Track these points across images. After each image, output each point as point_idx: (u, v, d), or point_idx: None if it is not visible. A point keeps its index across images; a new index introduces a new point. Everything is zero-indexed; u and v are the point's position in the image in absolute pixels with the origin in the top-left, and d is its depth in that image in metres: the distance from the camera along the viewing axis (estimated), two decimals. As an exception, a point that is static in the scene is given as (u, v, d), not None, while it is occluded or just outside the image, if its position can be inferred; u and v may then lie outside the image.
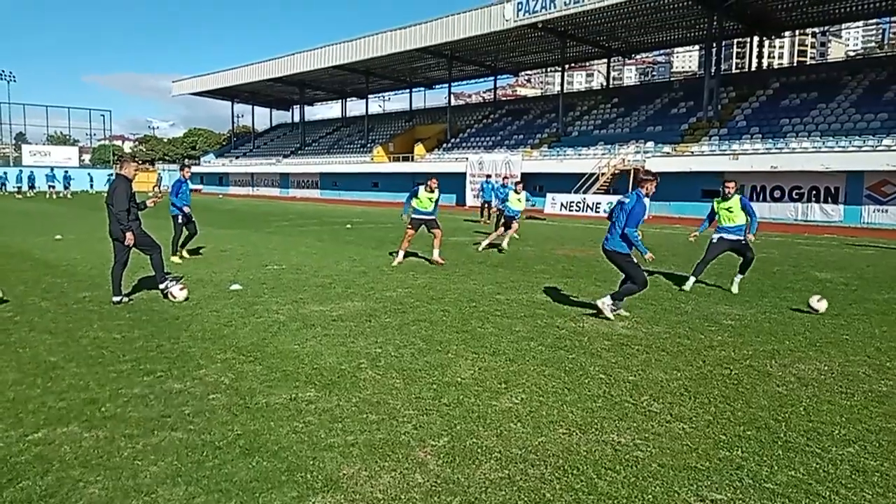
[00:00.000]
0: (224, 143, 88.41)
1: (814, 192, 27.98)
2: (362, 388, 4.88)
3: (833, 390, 5.00)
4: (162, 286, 8.30)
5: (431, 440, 3.95)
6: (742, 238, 9.47)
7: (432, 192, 12.63)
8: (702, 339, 6.59)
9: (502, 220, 15.77)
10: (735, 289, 9.45)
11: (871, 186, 26.46)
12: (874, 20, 43.45)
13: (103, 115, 73.65)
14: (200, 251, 13.54)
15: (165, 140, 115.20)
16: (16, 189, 49.07)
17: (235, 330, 6.67)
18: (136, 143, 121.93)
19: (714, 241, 9.66)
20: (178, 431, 4.02)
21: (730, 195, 9.60)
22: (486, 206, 25.34)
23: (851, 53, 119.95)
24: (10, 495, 3.22)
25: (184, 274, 10.25)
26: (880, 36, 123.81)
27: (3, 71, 68.32)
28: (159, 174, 66.54)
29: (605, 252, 7.60)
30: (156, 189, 58.75)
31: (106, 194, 8.24)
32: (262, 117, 76.17)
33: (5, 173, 52.73)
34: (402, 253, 12.41)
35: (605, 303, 7.35)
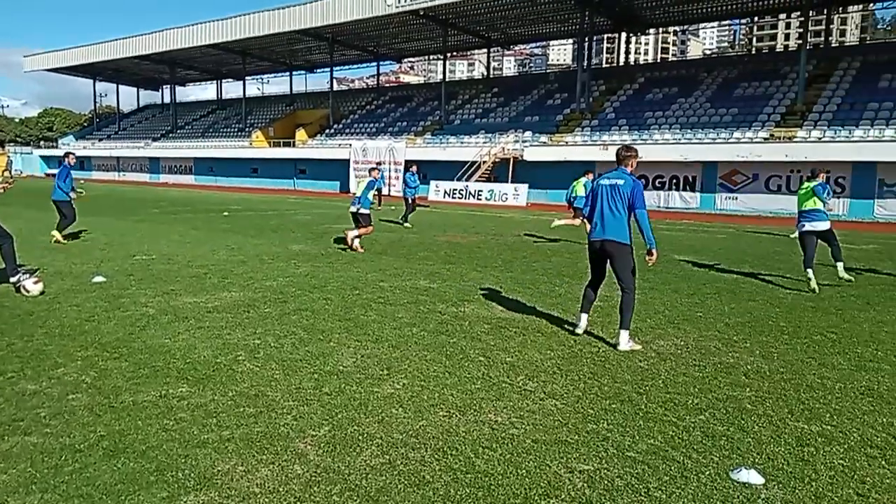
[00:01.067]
0: (85, 124, 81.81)
1: (674, 180, 30.16)
2: (239, 381, 4.73)
3: (688, 363, 5.45)
4: (13, 279, 7.60)
5: (312, 430, 3.90)
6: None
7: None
8: (574, 319, 6.93)
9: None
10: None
11: (724, 176, 28.91)
12: (727, 21, 47.24)
13: (-61, 91, 65.72)
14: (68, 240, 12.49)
15: (17, 120, 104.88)
16: None
17: (98, 325, 6.24)
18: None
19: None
20: (31, 436, 3.72)
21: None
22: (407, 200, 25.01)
23: (707, 52, 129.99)
24: None
25: (39, 266, 9.42)
26: (732, 36, 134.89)
27: None
28: (9, 158, 60.50)
29: (603, 244, 6.08)
30: (6, 174, 53.45)
31: None
32: (128, 97, 71.57)
33: None
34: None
35: (626, 342, 5.83)
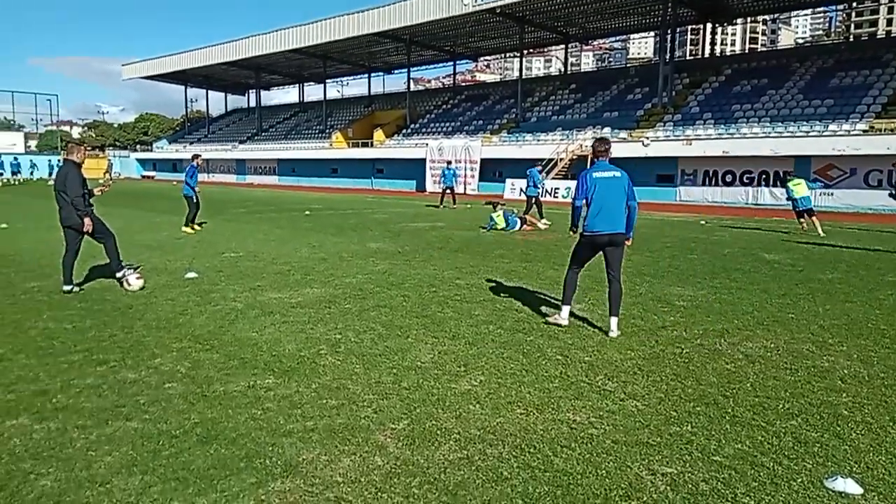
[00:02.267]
0: (177, 128, 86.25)
1: (763, 176, 28.78)
2: (322, 374, 4.88)
3: (778, 366, 5.20)
4: (119, 274, 8.10)
5: (391, 423, 3.98)
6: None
7: None
8: (655, 319, 6.76)
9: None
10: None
11: (818, 170, 27.34)
12: (821, 8, 44.65)
13: (50, 100, 70.82)
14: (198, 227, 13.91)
15: (116, 125, 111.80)
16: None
17: (191, 318, 6.58)
18: (85, 128, 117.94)
19: None
20: (132, 421, 3.96)
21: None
22: (446, 191, 25.26)
23: (800, 41, 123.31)
24: (-43, 490, 3.14)
25: (137, 262, 10.02)
26: (827, 24, 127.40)
27: (-59, 53, 65.09)
28: (109, 160, 64.58)
29: (612, 237, 6.14)
30: (106, 176, 57.07)
31: (55, 181, 8.00)
32: (216, 102, 74.49)
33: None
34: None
35: (615, 330, 6.12)
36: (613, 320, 6.15)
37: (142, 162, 71.28)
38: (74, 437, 3.73)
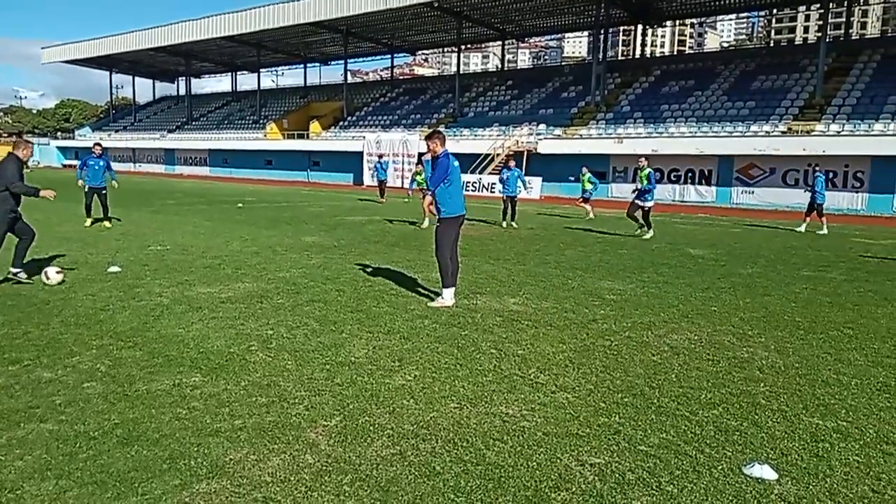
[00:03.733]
0: (102, 115, 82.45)
1: (690, 174, 29.91)
2: (252, 371, 4.76)
3: (701, 357, 5.41)
4: (14, 271, 7.63)
5: (323, 420, 3.92)
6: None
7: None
8: (586, 313, 6.91)
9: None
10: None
11: (740, 169, 28.62)
12: (745, 14, 46.66)
13: (-41, 82, 66.44)
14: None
15: (34, 111, 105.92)
16: None
17: (113, 314, 6.30)
18: (2, 113, 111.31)
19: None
20: (47, 423, 3.76)
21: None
22: (382, 184, 25.15)
23: (725, 44, 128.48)
24: None
25: (55, 255, 9.53)
26: (750, 29, 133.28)
27: None
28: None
29: (464, 218, 7.55)
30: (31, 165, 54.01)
31: None
32: (144, 89, 71.90)
33: None
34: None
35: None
36: (447, 290, 7.15)
37: (63, 150, 67.84)
38: (-18, 441, 3.51)
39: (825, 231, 17.11)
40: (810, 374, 5.04)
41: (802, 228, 17.52)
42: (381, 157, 27.18)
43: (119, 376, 4.57)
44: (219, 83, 73.20)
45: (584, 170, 20.09)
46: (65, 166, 63.21)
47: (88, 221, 13.67)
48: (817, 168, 19.44)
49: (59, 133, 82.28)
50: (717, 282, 9.04)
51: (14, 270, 7.64)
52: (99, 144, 14.69)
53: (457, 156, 26.72)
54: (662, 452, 3.60)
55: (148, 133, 61.05)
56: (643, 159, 15.07)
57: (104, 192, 13.94)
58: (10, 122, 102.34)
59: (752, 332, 6.27)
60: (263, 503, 2.98)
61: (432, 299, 7.23)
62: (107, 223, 13.67)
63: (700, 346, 5.75)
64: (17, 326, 5.76)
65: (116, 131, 65.87)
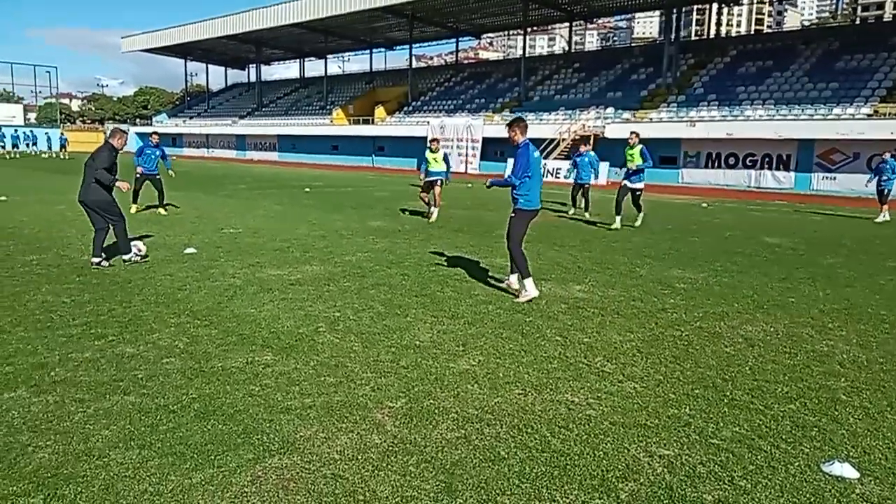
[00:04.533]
0: (177, 102, 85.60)
1: (766, 159, 28.64)
2: (320, 352, 4.87)
3: (778, 350, 5.20)
4: (126, 258, 8.04)
5: (389, 402, 3.97)
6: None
7: (434, 151, 13.70)
8: (655, 301, 6.75)
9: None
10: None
11: (821, 154, 27.22)
12: (829, -10, 44.09)
13: (49, 72, 70.17)
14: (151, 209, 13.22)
15: (115, 99, 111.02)
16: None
17: (190, 294, 6.56)
18: (85, 101, 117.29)
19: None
20: (130, 395, 3.96)
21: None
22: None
23: (806, 23, 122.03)
24: (-46, 462, 3.13)
25: (136, 236, 10.00)
26: (833, 6, 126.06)
27: (-63, 22, 64.37)
28: (106, 135, 64.17)
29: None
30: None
31: (89, 158, 7.94)
32: (216, 76, 74.00)
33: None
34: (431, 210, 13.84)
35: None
36: (514, 277, 7.00)
37: (141, 136, 70.79)
38: (72, 410, 3.73)
39: (884, 219, 16.03)
40: (895, 369, 4.78)
41: (881, 218, 16.32)
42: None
43: (196, 353, 4.76)
44: (287, 70, 74.69)
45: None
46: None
47: (134, 208, 13.47)
48: (889, 153, 17.64)
49: (137, 119, 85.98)
50: (795, 272, 8.66)
51: (125, 258, 8.04)
52: (156, 133, 14.72)
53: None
54: (735, 446, 3.49)
55: (220, 119, 63.00)
56: (633, 134, 13.11)
57: (158, 178, 13.92)
58: (94, 109, 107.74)
59: (833, 325, 5.99)
60: (332, 480, 3.06)
61: (516, 296, 6.71)
62: (162, 210, 13.66)
63: (776, 339, 5.52)
64: (102, 304, 6.08)
65: (191, 118, 68.27)
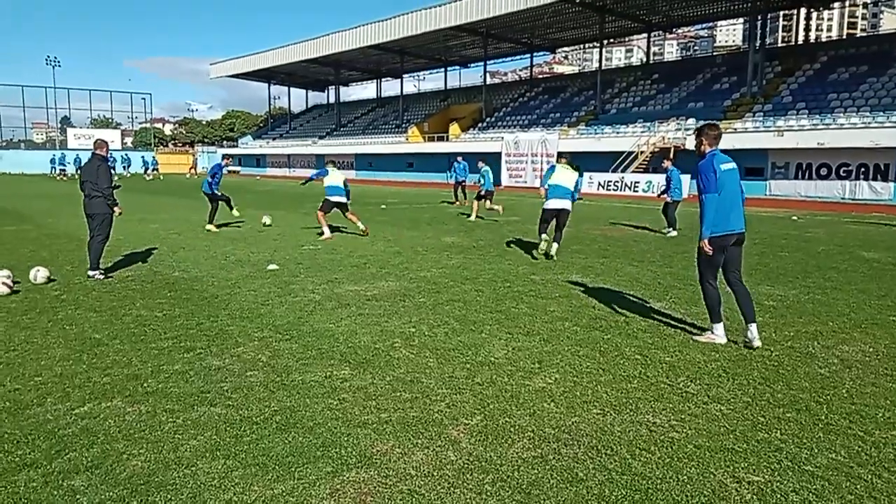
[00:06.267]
0: (261, 124, 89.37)
1: (862, 169, 27.00)
2: (396, 367, 4.92)
3: (878, 372, 4.86)
4: (91, 273, 8.40)
5: (464, 419, 3.96)
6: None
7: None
8: (742, 320, 6.44)
9: (481, 193, 18.21)
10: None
11: (923, 163, 25.41)
12: (930, -12, 41.36)
13: (144, 99, 75.02)
14: (230, 225, 13.78)
15: (204, 122, 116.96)
16: (59, 172, 50.05)
17: (272, 309, 6.78)
18: (176, 125, 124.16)
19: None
20: (217, 407, 4.12)
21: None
22: (459, 186, 24.54)
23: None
24: (57, 466, 3.34)
25: (223, 254, 10.46)
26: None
27: (49, 56, 70.12)
28: (195, 157, 67.74)
29: (739, 236, 5.68)
30: (192, 171, 59.80)
31: (81, 173, 8.75)
32: (298, 99, 76.73)
33: (56, 157, 53.44)
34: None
35: (758, 339, 5.50)
36: (753, 327, 5.44)
37: (228, 157, 74.28)
38: (163, 420, 3.91)
39: None
40: None
41: None
42: (458, 157, 25.71)
43: (277, 366, 4.91)
44: (364, 90, 76.59)
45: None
46: (230, 172, 69.16)
47: (213, 227, 14.04)
48: None
49: (224, 142, 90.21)
50: (897, 288, 8.09)
51: (90, 273, 8.42)
52: (229, 157, 15.69)
53: (596, 154, 25.92)
54: (832, 474, 3.28)
55: (301, 140, 65.25)
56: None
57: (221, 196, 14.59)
58: (185, 132, 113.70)
59: (942, 347, 5.54)
60: (409, 495, 3.07)
61: (700, 334, 5.90)
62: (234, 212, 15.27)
63: (876, 360, 5.17)
64: (192, 318, 6.38)
65: (273, 139, 71.03)
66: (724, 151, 5.83)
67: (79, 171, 9.35)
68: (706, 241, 5.56)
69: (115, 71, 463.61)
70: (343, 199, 13.48)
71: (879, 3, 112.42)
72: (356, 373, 4.78)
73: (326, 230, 13.10)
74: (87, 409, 4.07)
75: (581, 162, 35.73)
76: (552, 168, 11.11)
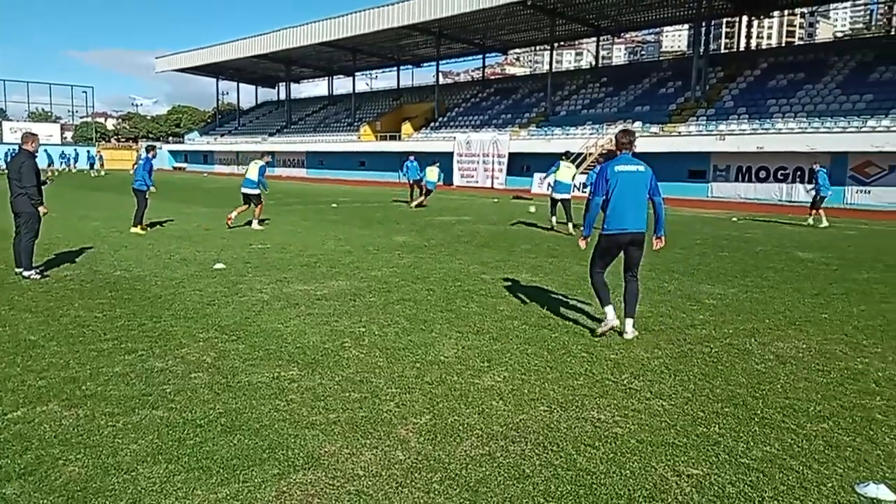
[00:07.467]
0: (209, 120, 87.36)
1: (798, 172, 28.13)
2: (345, 367, 4.89)
3: (810, 368, 5.08)
4: (19, 270, 8.09)
5: (413, 418, 3.97)
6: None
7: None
8: (683, 317, 6.65)
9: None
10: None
11: (855, 167, 26.66)
12: (862, 1, 43.37)
13: (85, 92, 72.24)
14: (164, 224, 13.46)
15: (149, 117, 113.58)
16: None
17: (218, 309, 6.65)
18: (119, 120, 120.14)
19: None
20: (159, 410, 4.01)
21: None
22: (414, 185, 24.21)
23: (839, 34, 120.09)
24: (-12, 473, 3.20)
25: (167, 253, 10.20)
26: (868, 17, 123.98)
27: (-19, 46, 66.73)
28: (139, 153, 65.78)
29: (633, 236, 5.78)
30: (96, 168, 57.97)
31: (6, 169, 8.32)
32: (247, 94, 75.49)
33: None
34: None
35: (632, 332, 5.83)
36: (629, 321, 5.83)
37: (174, 153, 72.36)
38: (102, 424, 3.79)
39: (810, 222, 17.55)
40: (936, 389, 4.63)
41: (817, 222, 17.42)
42: (410, 156, 25.38)
43: (223, 368, 4.82)
44: (316, 87, 75.64)
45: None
46: (175, 168, 67.41)
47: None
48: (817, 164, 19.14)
49: (170, 137, 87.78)
50: (829, 287, 8.47)
51: (18, 270, 8.10)
52: (153, 147, 14.80)
53: (547, 155, 26.85)
54: (766, 466, 3.41)
55: (251, 137, 64.04)
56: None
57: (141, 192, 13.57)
58: (128, 127, 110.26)
59: (868, 342, 5.83)
60: (356, 496, 3.05)
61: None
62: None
63: (809, 356, 5.40)
64: (133, 318, 6.20)
65: (222, 135, 69.51)
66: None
67: (6, 167, 8.72)
68: (585, 238, 6.14)
69: (53, 62, 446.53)
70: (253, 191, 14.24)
71: (816, 13, 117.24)
72: (304, 373, 4.73)
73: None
74: (20, 414, 3.91)
75: (531, 163, 36.28)
76: (556, 165, 14.26)
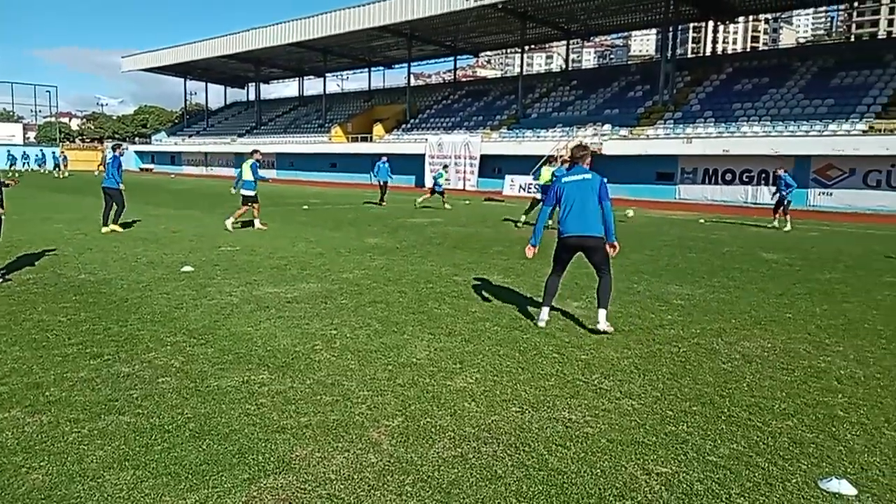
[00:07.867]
0: (176, 121, 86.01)
1: (763, 175, 28.75)
2: (316, 370, 4.86)
3: (775, 367, 5.19)
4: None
5: (385, 420, 3.96)
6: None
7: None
8: (652, 318, 6.75)
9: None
10: None
11: (818, 170, 27.34)
12: (823, 8, 44.54)
13: (49, 92, 70.58)
14: (134, 224, 13.23)
15: (114, 117, 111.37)
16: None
17: (186, 312, 6.55)
18: (84, 120, 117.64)
19: None
20: (125, 415, 3.94)
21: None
22: (384, 186, 24.51)
23: (802, 40, 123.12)
24: (-54, 483, 3.11)
25: (133, 255, 10.02)
26: (829, 24, 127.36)
27: (-61, 42, 64.88)
28: (104, 153, 64.48)
29: (580, 239, 6.09)
30: (101, 168, 56.95)
31: None
32: (215, 95, 74.35)
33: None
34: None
35: (604, 324, 6.05)
36: (601, 312, 6.07)
37: (140, 154, 71.10)
38: (66, 430, 3.71)
39: (776, 224, 17.93)
40: (893, 385, 4.77)
41: (782, 224, 17.78)
42: (382, 158, 25.70)
43: (192, 372, 4.75)
44: (286, 88, 75.29)
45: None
46: (142, 170, 66.20)
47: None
48: (781, 169, 19.37)
49: (137, 138, 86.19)
50: (793, 287, 8.67)
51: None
52: (119, 146, 14.75)
53: (518, 158, 27.71)
54: (733, 464, 3.48)
55: (219, 137, 63.19)
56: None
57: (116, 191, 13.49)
58: (93, 127, 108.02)
59: (830, 341, 5.98)
60: (328, 500, 3.04)
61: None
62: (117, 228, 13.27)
63: (773, 355, 5.52)
64: (99, 322, 6.07)
65: (190, 136, 68.50)
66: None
67: None
68: (533, 247, 6.51)
69: (16, 60, 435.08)
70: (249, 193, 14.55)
71: (779, 20, 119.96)
72: (275, 377, 4.69)
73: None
74: (-20, 422, 3.80)
75: (503, 165, 36.46)
76: (539, 169, 15.76)
